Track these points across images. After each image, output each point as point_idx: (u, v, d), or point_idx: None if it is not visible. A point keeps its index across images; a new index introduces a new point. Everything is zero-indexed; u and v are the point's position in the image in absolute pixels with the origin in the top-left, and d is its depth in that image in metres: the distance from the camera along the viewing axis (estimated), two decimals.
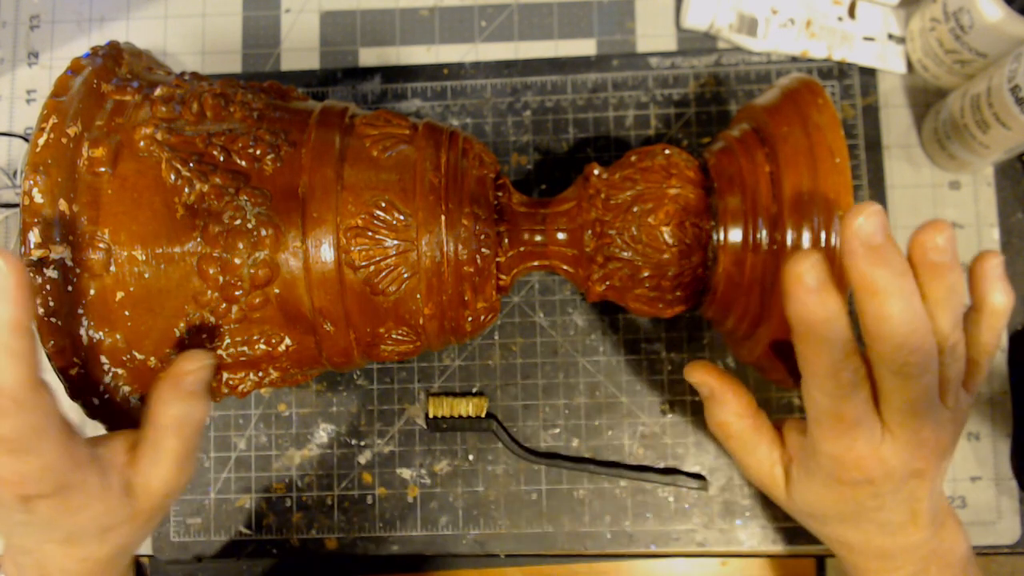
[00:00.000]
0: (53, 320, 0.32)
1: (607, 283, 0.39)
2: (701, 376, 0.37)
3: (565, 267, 0.40)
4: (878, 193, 0.49)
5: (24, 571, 0.32)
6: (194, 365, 0.32)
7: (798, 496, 0.34)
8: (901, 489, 0.31)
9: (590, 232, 0.38)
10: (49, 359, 0.32)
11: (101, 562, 0.32)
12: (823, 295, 0.27)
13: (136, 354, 0.34)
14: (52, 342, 0.32)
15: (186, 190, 0.33)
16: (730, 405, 0.36)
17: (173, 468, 0.32)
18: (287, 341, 0.36)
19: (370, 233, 0.35)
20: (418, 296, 0.36)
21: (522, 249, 0.40)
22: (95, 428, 0.36)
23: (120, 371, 0.34)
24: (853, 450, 0.30)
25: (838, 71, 0.50)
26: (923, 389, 0.29)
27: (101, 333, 0.33)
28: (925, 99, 0.50)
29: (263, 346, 0.35)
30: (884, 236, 0.27)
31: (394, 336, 0.37)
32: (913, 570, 0.33)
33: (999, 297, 0.30)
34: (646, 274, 0.38)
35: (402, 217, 0.35)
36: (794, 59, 0.51)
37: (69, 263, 0.32)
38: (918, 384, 0.28)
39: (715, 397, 0.36)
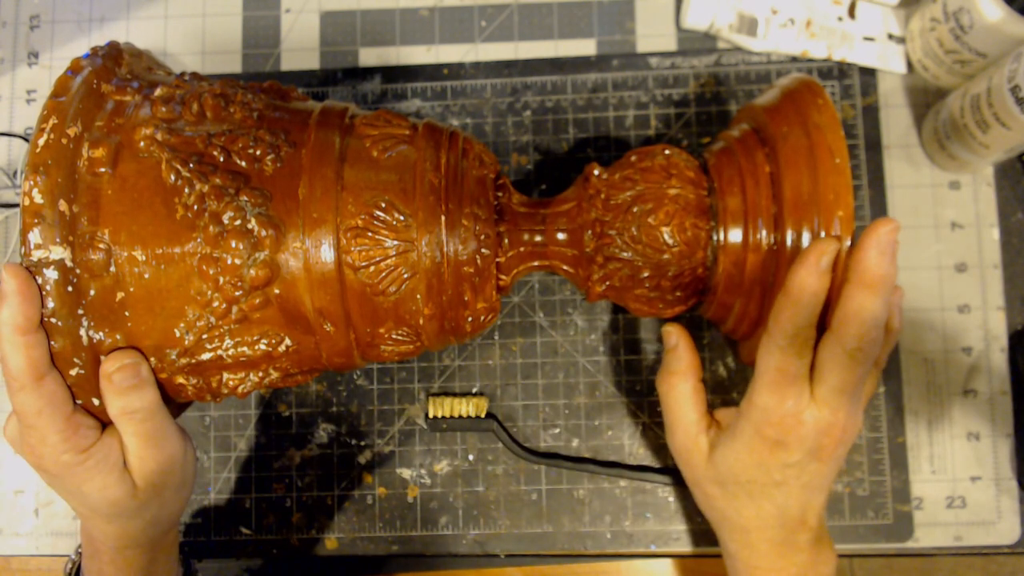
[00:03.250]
0: (53, 320, 0.32)
1: (607, 283, 0.39)
2: (676, 330, 0.41)
3: (565, 267, 0.40)
4: (878, 193, 0.49)
5: (84, 537, 0.39)
6: (114, 366, 0.33)
7: (719, 458, 0.38)
8: (805, 468, 0.36)
9: (590, 232, 0.38)
10: (50, 359, 0.32)
11: (110, 538, 0.37)
12: (824, 275, 0.33)
13: None
14: (52, 342, 0.32)
15: (186, 191, 0.33)
16: (687, 361, 0.40)
17: (144, 445, 0.35)
18: (287, 341, 0.36)
19: (370, 233, 0.35)
20: (418, 296, 0.36)
21: (522, 249, 0.40)
22: None
23: None
24: (782, 404, 0.35)
25: (838, 71, 0.50)
26: (860, 374, 0.34)
27: (101, 333, 0.33)
28: (925, 99, 0.50)
29: (263, 346, 0.35)
30: (895, 247, 0.33)
31: (394, 336, 0.37)
32: None
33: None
34: (646, 274, 0.38)
35: (402, 217, 0.35)
36: (794, 59, 0.51)
37: (69, 264, 0.32)
38: (860, 368, 0.34)
39: (678, 350, 0.40)
